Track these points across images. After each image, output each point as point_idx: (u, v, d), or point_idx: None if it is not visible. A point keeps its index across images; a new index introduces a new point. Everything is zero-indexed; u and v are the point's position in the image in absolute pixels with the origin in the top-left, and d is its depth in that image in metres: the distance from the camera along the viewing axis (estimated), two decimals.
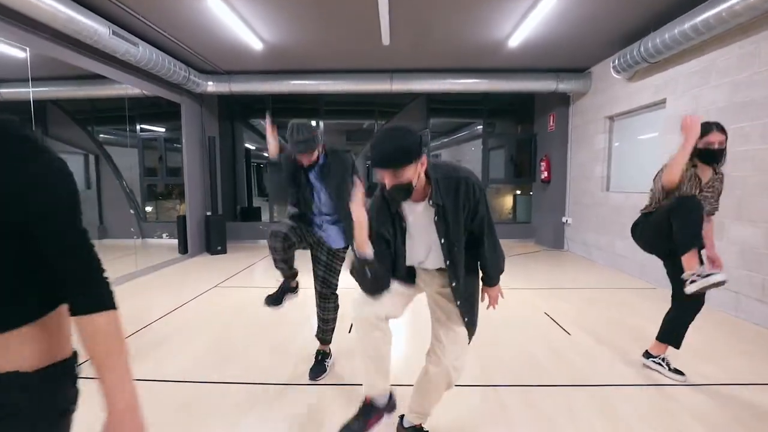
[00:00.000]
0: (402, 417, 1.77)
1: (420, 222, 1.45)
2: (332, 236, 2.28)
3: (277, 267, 2.30)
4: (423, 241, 1.49)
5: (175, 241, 6.84)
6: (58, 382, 0.73)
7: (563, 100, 6.51)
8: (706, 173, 2.15)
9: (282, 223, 2.19)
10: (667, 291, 2.41)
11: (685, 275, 2.01)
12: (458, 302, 1.50)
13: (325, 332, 2.44)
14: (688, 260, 2.00)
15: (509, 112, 8.03)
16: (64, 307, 0.74)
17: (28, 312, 0.70)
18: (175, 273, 5.36)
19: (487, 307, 1.71)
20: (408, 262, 1.55)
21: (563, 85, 5.94)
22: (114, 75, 4.78)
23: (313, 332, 2.55)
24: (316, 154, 2.10)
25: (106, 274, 0.74)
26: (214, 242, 6.48)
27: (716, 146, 2.07)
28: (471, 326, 1.56)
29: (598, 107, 5.70)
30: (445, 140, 11.59)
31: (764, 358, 2.63)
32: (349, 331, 2.92)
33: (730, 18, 3.22)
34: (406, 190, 1.30)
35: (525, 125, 7.78)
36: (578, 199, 6.27)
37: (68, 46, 4.06)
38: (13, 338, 0.68)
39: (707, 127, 2.07)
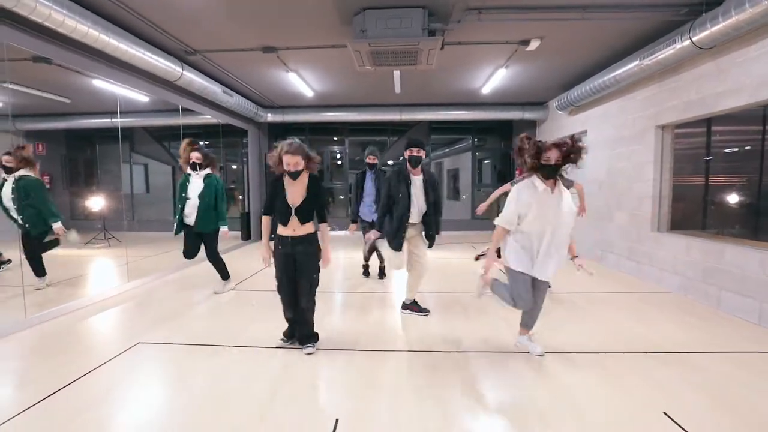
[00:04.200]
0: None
1: (417, 186, 3.39)
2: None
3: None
4: (417, 197, 3.38)
5: (232, 232, 9.07)
6: (316, 237, 2.82)
7: (531, 124, 8.61)
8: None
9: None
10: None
11: None
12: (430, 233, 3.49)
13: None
14: None
15: (495, 131, 10.12)
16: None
17: (311, 217, 2.78)
18: (248, 252, 7.54)
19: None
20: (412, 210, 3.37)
21: (528, 114, 8.04)
22: (206, 111, 6.91)
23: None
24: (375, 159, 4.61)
25: (327, 212, 2.86)
26: None
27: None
28: (432, 243, 3.54)
29: (553, 131, 7.78)
30: (446, 150, 13.74)
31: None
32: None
33: (605, 87, 5.31)
34: (420, 159, 3.30)
35: (506, 141, 9.88)
36: None
37: (187, 96, 6.21)
38: (309, 224, 2.76)
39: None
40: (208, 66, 5.48)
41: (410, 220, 3.39)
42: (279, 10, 3.88)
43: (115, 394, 2.31)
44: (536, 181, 2.54)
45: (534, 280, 2.65)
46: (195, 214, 4.18)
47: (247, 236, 8.55)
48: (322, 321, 3.54)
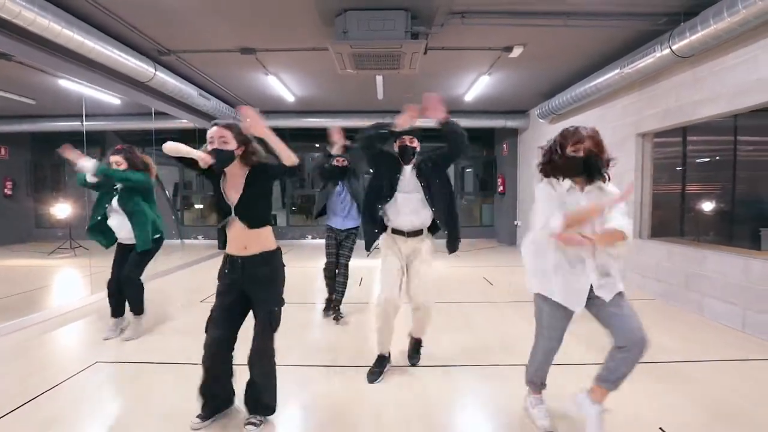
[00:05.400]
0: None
1: (408, 177, 2.56)
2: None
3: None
4: (404, 187, 2.51)
5: (209, 241, 8.81)
6: (278, 254, 2.28)
7: (513, 132, 8.66)
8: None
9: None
10: None
11: None
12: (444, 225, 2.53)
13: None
14: None
15: (478, 139, 10.16)
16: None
17: (261, 221, 1.97)
18: None
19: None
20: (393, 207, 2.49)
21: (510, 123, 8.09)
22: (181, 115, 6.66)
23: None
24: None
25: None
26: None
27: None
28: (456, 237, 2.60)
29: (534, 139, 7.82)
30: None
31: None
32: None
33: (587, 95, 5.35)
34: (415, 151, 2.61)
35: (488, 150, 9.93)
36: (524, 206, 8.35)
37: (160, 99, 5.96)
38: (265, 231, 1.98)
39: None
40: (184, 67, 5.26)
41: (398, 226, 2.52)
42: (258, 9, 3.73)
43: (64, 423, 2.07)
44: (553, 180, 1.88)
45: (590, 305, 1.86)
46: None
47: (223, 245, 8.22)
48: (301, 333, 3.35)
